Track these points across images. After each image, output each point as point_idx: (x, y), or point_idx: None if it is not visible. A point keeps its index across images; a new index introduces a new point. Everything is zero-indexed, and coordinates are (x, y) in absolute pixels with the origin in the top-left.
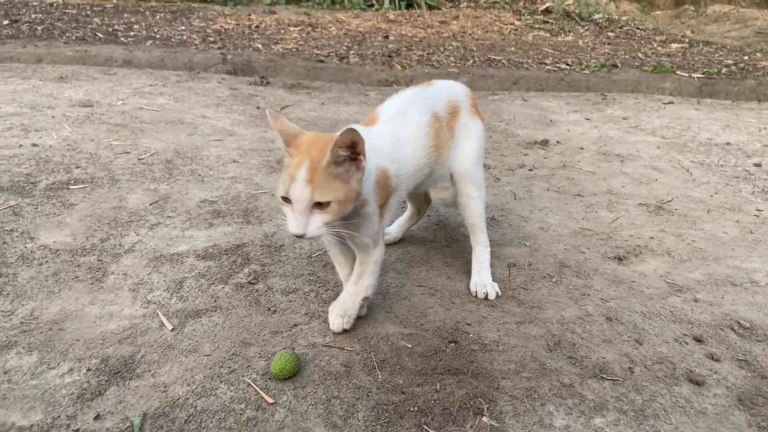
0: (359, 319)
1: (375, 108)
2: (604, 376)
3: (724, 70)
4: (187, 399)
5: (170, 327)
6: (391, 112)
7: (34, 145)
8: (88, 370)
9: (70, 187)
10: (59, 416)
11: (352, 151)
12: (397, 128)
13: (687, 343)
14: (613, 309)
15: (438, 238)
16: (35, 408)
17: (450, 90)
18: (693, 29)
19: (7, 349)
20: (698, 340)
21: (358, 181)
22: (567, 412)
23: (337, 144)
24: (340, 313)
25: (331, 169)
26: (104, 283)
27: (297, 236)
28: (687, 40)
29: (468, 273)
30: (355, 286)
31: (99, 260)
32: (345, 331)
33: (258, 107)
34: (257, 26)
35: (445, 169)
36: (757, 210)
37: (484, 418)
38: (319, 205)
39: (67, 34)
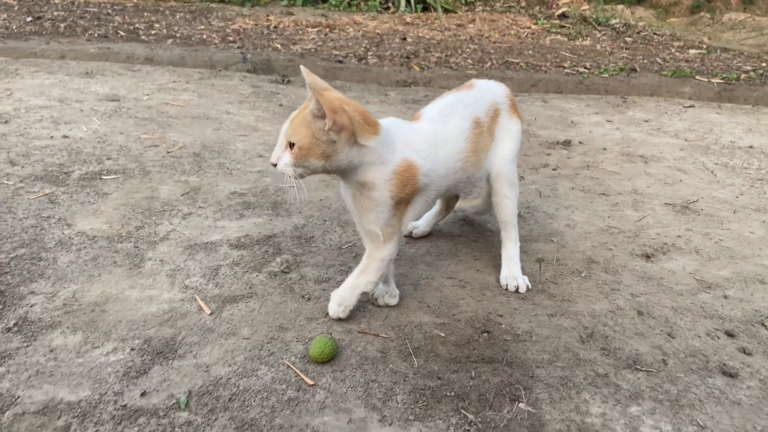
0: (392, 308)
1: (393, 106)
2: (638, 367)
3: (743, 76)
4: (230, 379)
5: (209, 311)
6: (433, 114)
7: (65, 136)
8: (132, 349)
9: (103, 177)
10: (106, 392)
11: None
12: (437, 129)
13: (719, 338)
14: (644, 304)
15: (465, 233)
16: (82, 384)
17: (491, 92)
18: (709, 36)
19: (51, 329)
20: (730, 334)
21: (326, 141)
22: (603, 401)
23: (319, 99)
24: (338, 301)
25: (309, 117)
26: (142, 269)
27: (272, 164)
28: (705, 46)
29: (497, 267)
30: (356, 279)
31: (136, 247)
32: (341, 319)
33: (281, 104)
34: (275, 27)
35: (484, 172)
36: None
37: (521, 405)
38: (291, 146)
39: (89, 32)
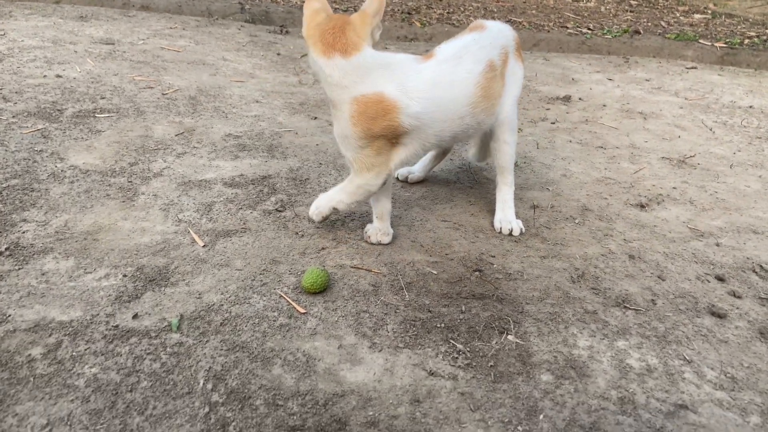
0: (385, 246)
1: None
2: (627, 305)
3: (746, 41)
4: (222, 305)
5: (202, 243)
6: (445, 55)
7: (58, 76)
8: (124, 276)
9: (97, 115)
10: (98, 314)
11: None
12: (443, 71)
13: (709, 282)
14: (636, 249)
15: (461, 180)
16: (74, 306)
17: (501, 34)
18: (715, 3)
19: (43, 254)
20: (720, 279)
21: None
22: (590, 335)
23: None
24: (316, 205)
25: None
26: (135, 202)
27: None
28: (710, 11)
29: (491, 212)
30: (334, 193)
31: (129, 181)
32: (312, 221)
33: (278, 54)
34: None
35: (493, 117)
36: None
37: (510, 337)
38: None
39: None
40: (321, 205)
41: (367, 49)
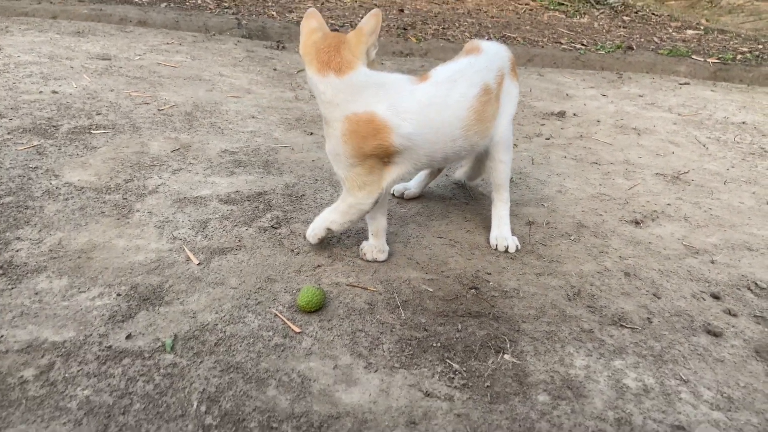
0: (381, 263)
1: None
2: (623, 324)
3: (739, 57)
4: (216, 325)
5: (196, 261)
6: (441, 77)
7: (54, 92)
8: (118, 295)
9: (92, 131)
10: (91, 334)
11: None
12: (436, 94)
13: (704, 299)
14: (631, 266)
15: (457, 196)
16: (67, 326)
17: (497, 56)
18: (707, 18)
19: (36, 273)
20: (715, 297)
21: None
22: (587, 354)
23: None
24: (312, 227)
25: None
26: (130, 219)
27: None
28: (702, 27)
29: (487, 228)
30: (327, 214)
31: (124, 198)
32: (311, 244)
33: (275, 69)
34: None
35: (487, 139)
36: None
37: (506, 356)
38: None
39: None
40: (316, 226)
41: (361, 68)
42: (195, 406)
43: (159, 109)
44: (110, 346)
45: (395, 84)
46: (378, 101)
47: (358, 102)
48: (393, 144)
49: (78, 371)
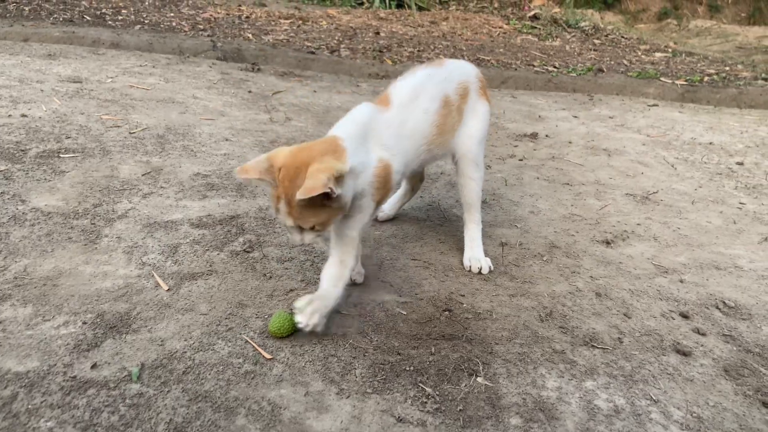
0: (356, 286)
1: (364, 97)
2: (595, 344)
3: (706, 79)
4: (185, 352)
5: (166, 287)
6: (402, 98)
7: (24, 115)
8: (84, 323)
9: (61, 155)
10: (55, 364)
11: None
12: (404, 119)
13: (674, 319)
14: (602, 286)
15: (431, 217)
16: (31, 356)
17: (461, 70)
18: (675, 41)
19: (0, 302)
20: (684, 316)
21: (338, 205)
22: (559, 375)
23: (306, 195)
24: (330, 291)
25: (304, 204)
26: (98, 245)
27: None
28: (670, 50)
29: (461, 250)
30: (332, 270)
31: (92, 224)
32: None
33: (250, 91)
34: (247, 17)
35: (448, 150)
36: (740, 203)
37: (479, 379)
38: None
39: (54, 15)
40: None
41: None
42: None
43: (130, 132)
44: (75, 376)
45: (373, 123)
46: (376, 147)
47: (370, 155)
48: (393, 182)
49: (41, 402)
